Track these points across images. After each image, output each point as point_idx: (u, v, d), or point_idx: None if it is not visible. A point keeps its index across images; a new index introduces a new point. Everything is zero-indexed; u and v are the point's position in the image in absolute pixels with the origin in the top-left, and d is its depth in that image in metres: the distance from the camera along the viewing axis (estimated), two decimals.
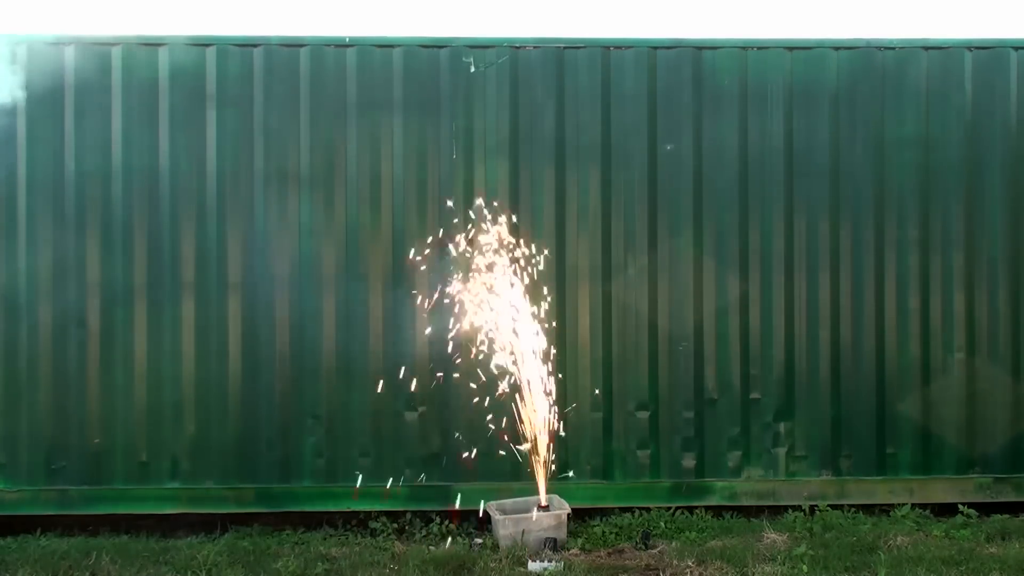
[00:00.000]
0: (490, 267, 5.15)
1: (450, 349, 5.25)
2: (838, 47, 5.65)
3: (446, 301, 5.29)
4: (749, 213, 5.59)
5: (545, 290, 5.33)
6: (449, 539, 5.07)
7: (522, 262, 5.25)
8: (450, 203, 5.38)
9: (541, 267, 5.32)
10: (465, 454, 5.31)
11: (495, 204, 5.36)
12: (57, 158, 5.37)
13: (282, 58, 5.45)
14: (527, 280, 5.23)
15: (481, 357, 5.17)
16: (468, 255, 5.26)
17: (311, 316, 5.40)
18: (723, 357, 5.57)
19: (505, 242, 5.21)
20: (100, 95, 5.39)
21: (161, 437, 5.39)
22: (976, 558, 4.72)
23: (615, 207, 5.55)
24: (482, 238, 5.24)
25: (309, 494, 5.40)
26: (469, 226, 5.34)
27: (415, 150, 5.45)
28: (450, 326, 5.23)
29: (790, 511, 5.44)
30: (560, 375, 5.34)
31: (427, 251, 5.37)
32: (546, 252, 5.38)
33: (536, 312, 5.20)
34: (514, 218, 5.38)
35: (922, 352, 5.60)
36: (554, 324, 5.36)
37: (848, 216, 5.61)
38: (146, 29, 5.59)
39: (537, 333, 5.13)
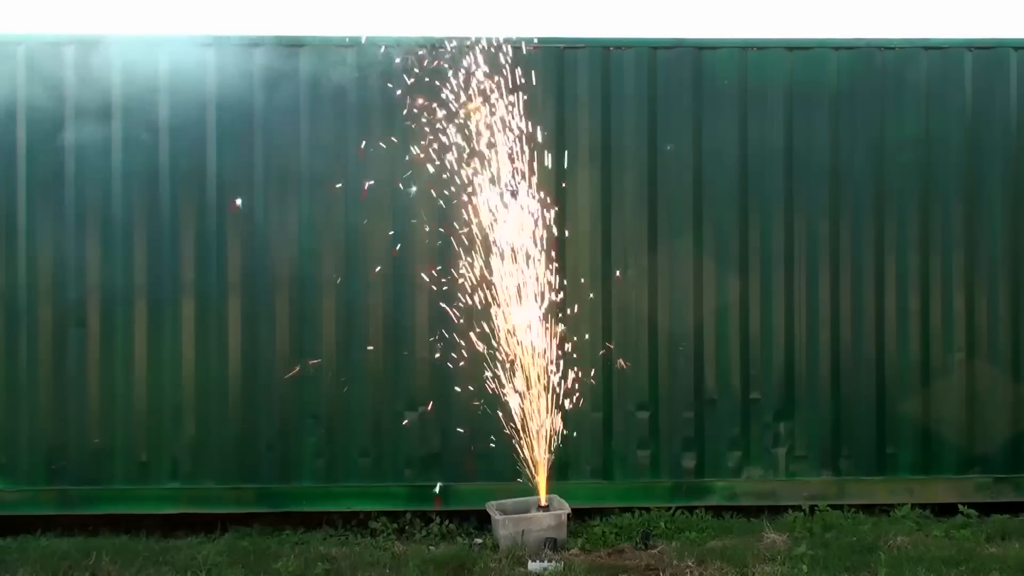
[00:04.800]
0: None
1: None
2: (838, 47, 5.65)
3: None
4: (749, 213, 5.60)
5: (552, 293, 5.31)
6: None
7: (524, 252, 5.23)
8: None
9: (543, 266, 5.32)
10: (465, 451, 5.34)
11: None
12: (57, 158, 5.37)
13: (282, 58, 5.46)
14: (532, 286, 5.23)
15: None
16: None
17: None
18: (723, 357, 5.57)
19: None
20: (100, 95, 5.39)
21: (161, 437, 5.39)
22: (976, 558, 4.71)
23: (615, 207, 5.55)
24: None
25: (309, 494, 5.40)
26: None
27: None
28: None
29: (790, 511, 5.44)
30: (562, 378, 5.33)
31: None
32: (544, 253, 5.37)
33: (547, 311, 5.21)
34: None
35: (922, 352, 5.60)
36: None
37: (848, 216, 5.61)
38: (146, 29, 5.61)
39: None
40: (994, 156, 5.66)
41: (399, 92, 5.35)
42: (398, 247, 5.39)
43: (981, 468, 5.59)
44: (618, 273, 5.50)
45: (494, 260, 5.15)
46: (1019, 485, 5.58)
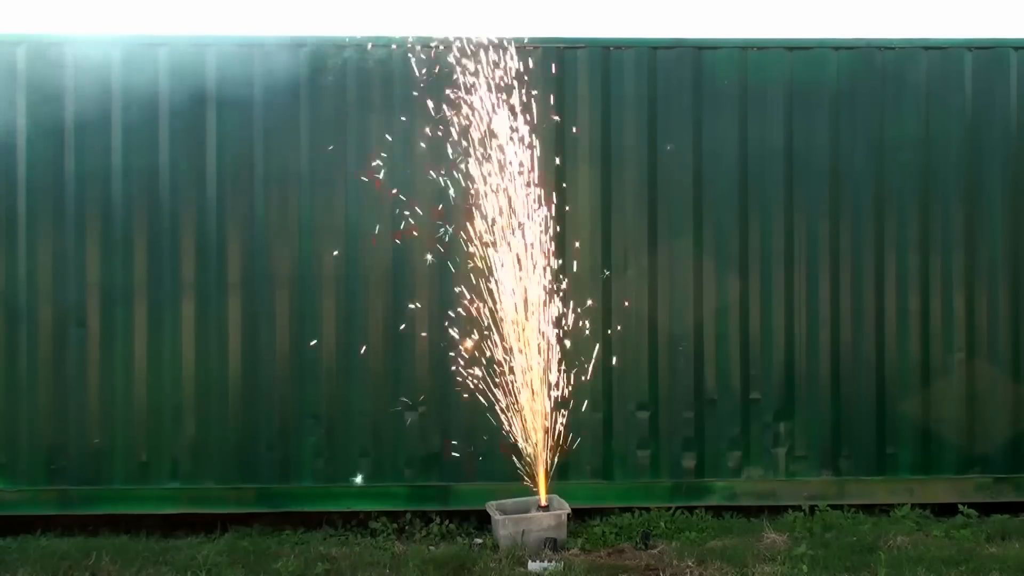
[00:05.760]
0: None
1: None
2: (838, 47, 5.65)
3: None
4: (749, 213, 5.60)
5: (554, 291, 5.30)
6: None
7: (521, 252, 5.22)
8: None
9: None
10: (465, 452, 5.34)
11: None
12: (57, 158, 5.37)
13: (282, 58, 5.45)
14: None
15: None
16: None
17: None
18: (723, 357, 5.56)
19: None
20: (100, 95, 5.39)
21: (161, 437, 5.38)
22: (976, 558, 4.72)
23: (615, 207, 5.55)
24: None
25: (309, 494, 5.40)
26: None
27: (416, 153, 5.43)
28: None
29: (790, 511, 5.44)
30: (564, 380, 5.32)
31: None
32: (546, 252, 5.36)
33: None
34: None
35: (922, 352, 5.60)
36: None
37: (848, 216, 5.61)
38: (146, 29, 5.61)
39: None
40: (994, 156, 5.65)
41: (400, 92, 5.35)
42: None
43: (981, 468, 5.59)
44: (607, 273, 5.52)
45: (494, 258, 5.15)
46: (1019, 485, 5.58)
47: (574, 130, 5.51)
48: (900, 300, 5.61)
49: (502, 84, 5.16)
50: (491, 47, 5.16)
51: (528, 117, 5.20)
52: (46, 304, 5.37)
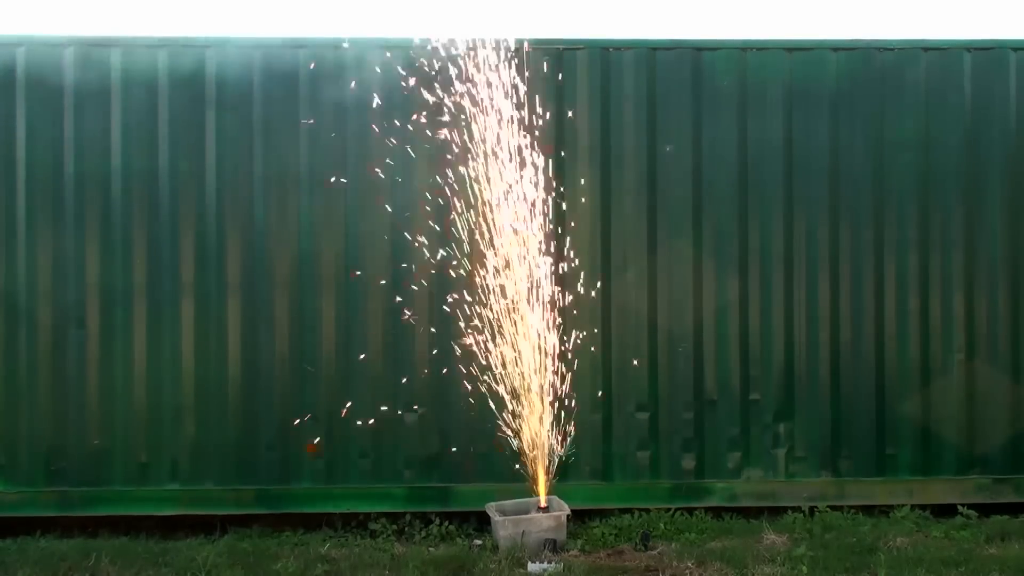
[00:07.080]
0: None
1: None
2: (837, 48, 5.65)
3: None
4: (748, 213, 5.59)
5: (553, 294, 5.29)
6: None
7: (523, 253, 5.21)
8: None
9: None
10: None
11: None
12: (57, 159, 5.37)
13: (282, 59, 5.45)
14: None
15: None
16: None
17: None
18: (723, 357, 5.56)
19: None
20: (99, 97, 5.39)
21: (161, 438, 5.38)
22: (976, 559, 4.71)
23: (615, 207, 5.55)
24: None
25: (308, 495, 5.40)
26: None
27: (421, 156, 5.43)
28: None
29: (790, 512, 5.44)
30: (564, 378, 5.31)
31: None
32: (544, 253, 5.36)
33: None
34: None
35: (922, 353, 5.60)
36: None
37: (848, 217, 5.61)
38: (145, 30, 5.62)
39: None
40: (993, 156, 5.65)
41: (404, 93, 5.35)
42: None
43: (981, 469, 5.59)
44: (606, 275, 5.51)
45: (493, 262, 5.15)
46: (1019, 486, 5.58)
47: (574, 130, 5.52)
48: (900, 300, 5.61)
49: (501, 85, 5.16)
50: (491, 48, 5.16)
51: (527, 118, 5.20)
52: (46, 304, 5.37)
